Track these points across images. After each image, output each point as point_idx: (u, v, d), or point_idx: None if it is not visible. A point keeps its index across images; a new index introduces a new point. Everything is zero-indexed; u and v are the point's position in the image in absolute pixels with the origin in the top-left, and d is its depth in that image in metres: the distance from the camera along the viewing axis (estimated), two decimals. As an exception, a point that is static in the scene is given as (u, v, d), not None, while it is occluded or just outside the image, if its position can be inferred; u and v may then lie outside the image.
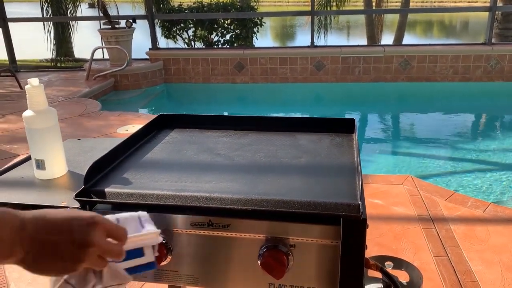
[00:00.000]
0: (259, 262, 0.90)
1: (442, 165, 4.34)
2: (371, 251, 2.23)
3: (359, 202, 0.86)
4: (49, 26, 8.88)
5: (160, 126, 1.38)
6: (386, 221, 2.61)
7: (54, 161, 1.15)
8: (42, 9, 8.67)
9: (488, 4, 6.68)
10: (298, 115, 6.35)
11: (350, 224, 0.85)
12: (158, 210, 0.92)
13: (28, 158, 1.25)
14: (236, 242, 0.92)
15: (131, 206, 0.94)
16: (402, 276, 1.33)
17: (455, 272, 2.14)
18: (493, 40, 6.92)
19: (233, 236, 0.91)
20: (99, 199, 0.95)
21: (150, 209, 0.93)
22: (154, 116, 1.38)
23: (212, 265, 0.95)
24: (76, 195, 0.93)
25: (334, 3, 9.58)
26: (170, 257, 0.95)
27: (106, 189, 0.96)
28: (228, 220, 0.90)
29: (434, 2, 28.72)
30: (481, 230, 2.49)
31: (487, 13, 6.71)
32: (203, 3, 7.98)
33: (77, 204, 0.94)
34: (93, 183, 0.99)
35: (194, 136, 1.32)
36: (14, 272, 2.24)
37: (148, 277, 0.99)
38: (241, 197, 0.91)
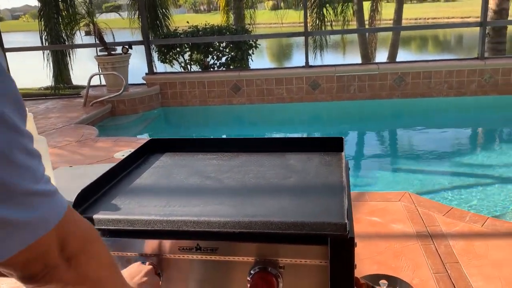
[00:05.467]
0: (248, 285, 0.89)
1: (439, 180, 4.33)
2: (370, 270, 2.21)
3: (346, 221, 0.86)
4: (48, 54, 8.97)
5: (150, 150, 1.39)
6: (385, 239, 2.59)
7: (44, 189, 1.15)
8: (41, 37, 8.76)
9: (479, 20, 6.77)
10: (295, 134, 6.37)
11: (337, 243, 0.85)
12: (145, 235, 0.92)
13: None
14: (225, 265, 0.91)
15: (119, 232, 0.94)
16: (398, 295, 1.32)
17: (455, 288, 2.11)
18: (486, 55, 6.99)
19: (221, 260, 0.91)
20: (87, 226, 0.95)
21: (137, 234, 0.93)
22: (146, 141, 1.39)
23: (201, 289, 0.94)
24: (64, 223, 0.93)
25: (328, 23, 9.72)
26: (160, 282, 0.94)
27: (95, 216, 0.96)
28: (216, 243, 0.90)
29: (427, 19, 29.10)
30: (480, 245, 2.47)
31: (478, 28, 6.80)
32: (198, 27, 8.09)
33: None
34: (81, 210, 1.00)
35: (184, 159, 1.32)
36: None
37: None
38: (228, 219, 0.91)
